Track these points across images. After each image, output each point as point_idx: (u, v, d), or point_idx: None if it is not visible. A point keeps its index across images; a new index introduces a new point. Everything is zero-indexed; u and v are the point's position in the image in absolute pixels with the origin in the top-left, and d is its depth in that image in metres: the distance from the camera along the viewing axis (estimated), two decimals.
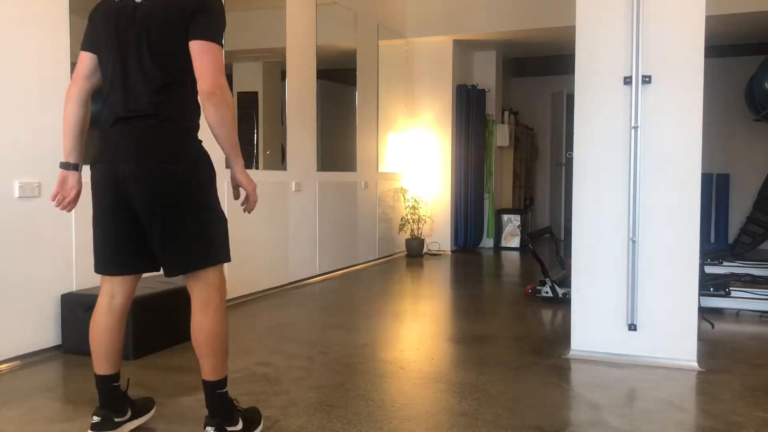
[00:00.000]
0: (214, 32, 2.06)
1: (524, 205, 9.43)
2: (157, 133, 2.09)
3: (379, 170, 7.04)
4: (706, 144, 3.16)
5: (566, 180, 8.83)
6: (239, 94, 5.28)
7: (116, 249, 2.22)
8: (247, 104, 5.36)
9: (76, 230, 3.45)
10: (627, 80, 3.19)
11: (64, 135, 2.25)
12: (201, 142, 2.19)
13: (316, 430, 2.39)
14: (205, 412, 2.20)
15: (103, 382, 2.28)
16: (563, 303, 4.55)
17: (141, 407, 2.42)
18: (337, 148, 6.45)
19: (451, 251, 7.74)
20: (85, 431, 2.33)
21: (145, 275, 2.34)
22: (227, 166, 2.21)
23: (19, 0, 3.20)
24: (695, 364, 3.13)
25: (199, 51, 2.03)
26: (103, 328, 2.27)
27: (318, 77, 5.74)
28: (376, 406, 2.64)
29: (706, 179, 7.80)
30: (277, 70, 5.35)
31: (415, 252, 7.39)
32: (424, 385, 2.93)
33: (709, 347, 3.49)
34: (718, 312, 4.35)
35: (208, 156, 2.19)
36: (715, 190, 8.36)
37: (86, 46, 2.22)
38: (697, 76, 3.10)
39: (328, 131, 6.05)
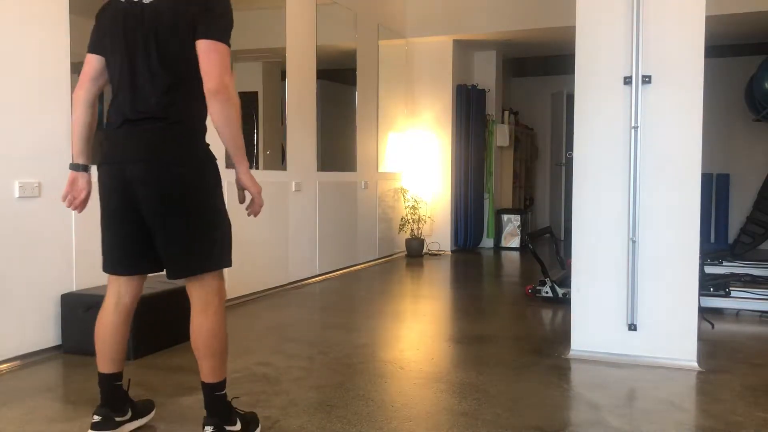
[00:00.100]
0: (221, 32, 2.06)
1: (524, 205, 9.43)
2: (165, 135, 2.09)
3: (379, 170, 7.04)
4: (706, 144, 3.16)
5: (566, 180, 8.83)
6: (239, 94, 5.27)
7: (123, 249, 2.22)
8: (247, 104, 5.36)
9: (76, 230, 3.45)
10: (627, 80, 3.19)
11: (72, 137, 2.26)
12: (208, 144, 2.19)
13: (316, 430, 2.39)
14: (205, 412, 2.20)
15: (106, 381, 2.28)
16: (563, 303, 4.55)
17: (141, 409, 2.42)
18: (337, 148, 6.45)
19: (451, 251, 7.74)
20: (85, 431, 2.33)
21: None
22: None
23: (19, 0, 3.20)
24: (695, 364, 3.13)
25: (206, 50, 2.02)
26: (109, 327, 2.27)
27: (318, 77, 5.74)
28: (376, 406, 2.64)
29: (706, 179, 7.79)
30: (277, 70, 5.35)
31: (415, 252, 7.39)
32: (424, 385, 2.93)
33: (709, 347, 3.49)
34: (718, 312, 4.35)
35: (215, 158, 2.19)
36: (715, 190, 8.36)
37: (92, 48, 2.22)
38: (697, 76, 3.10)
39: (328, 131, 6.05)
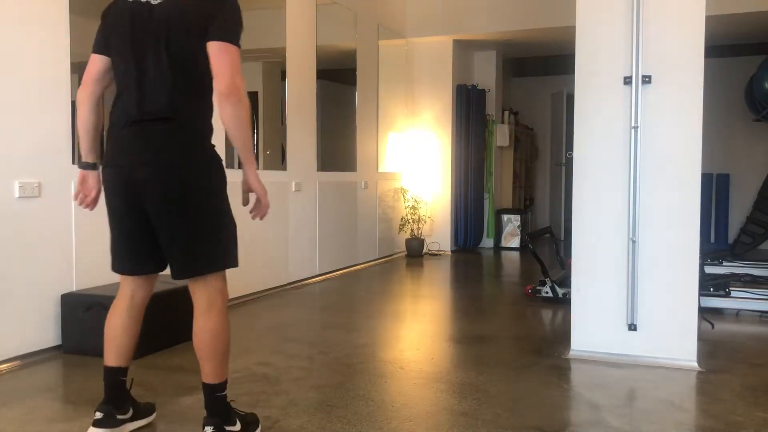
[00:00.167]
0: (232, 34, 2.06)
1: (524, 205, 9.43)
2: (172, 137, 2.09)
3: (379, 170, 7.04)
4: (706, 144, 3.16)
5: (566, 180, 8.83)
6: None
7: (130, 250, 2.23)
8: None
9: (76, 230, 3.45)
10: (627, 80, 3.19)
11: (80, 137, 2.26)
12: (214, 146, 2.19)
13: (316, 430, 2.39)
14: (205, 412, 2.20)
15: (112, 374, 2.29)
16: (563, 303, 4.55)
17: (143, 409, 2.43)
18: (337, 148, 6.45)
19: (451, 251, 7.74)
20: (85, 431, 2.33)
21: None
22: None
23: (19, 0, 3.20)
24: (695, 364, 3.13)
25: (217, 51, 2.03)
26: (119, 324, 2.28)
27: (318, 77, 5.74)
28: (376, 406, 2.64)
29: (706, 179, 7.79)
30: (277, 70, 5.35)
31: (415, 252, 7.39)
32: (424, 385, 2.93)
33: (709, 347, 3.49)
34: (718, 312, 4.35)
35: (221, 160, 2.20)
36: (715, 190, 8.36)
37: (97, 48, 2.21)
38: (697, 76, 3.10)
39: (328, 131, 6.05)
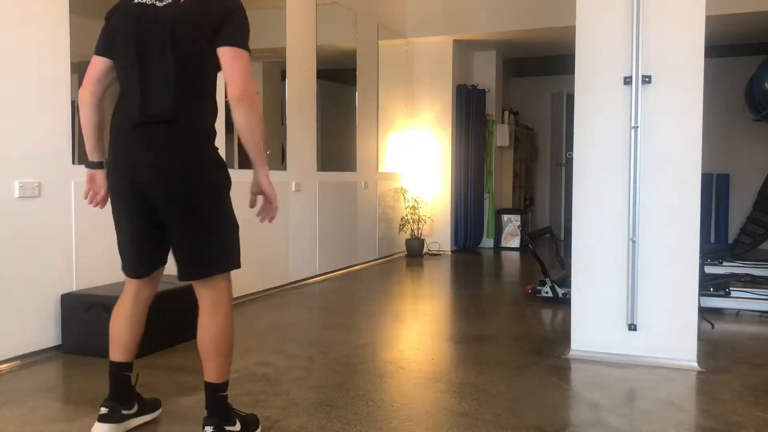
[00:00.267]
0: (242, 39, 2.08)
1: (524, 205, 9.43)
2: (175, 140, 2.09)
3: (379, 170, 7.04)
4: (706, 144, 3.16)
5: (566, 180, 8.83)
6: None
7: (137, 252, 2.26)
8: None
9: (76, 230, 3.45)
10: (627, 80, 3.19)
11: (84, 137, 2.28)
12: (218, 149, 2.20)
13: (316, 430, 2.39)
14: (205, 412, 2.20)
15: (117, 369, 2.30)
16: (563, 303, 4.55)
17: (148, 405, 2.45)
18: (337, 148, 6.45)
19: (451, 251, 7.74)
20: (85, 431, 2.34)
21: None
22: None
23: (19, 0, 3.20)
24: (695, 364, 3.13)
25: (230, 57, 2.05)
26: (124, 320, 2.31)
27: (318, 77, 5.74)
28: (376, 406, 2.64)
29: (706, 179, 7.79)
30: (277, 70, 5.35)
31: (415, 252, 7.39)
32: (424, 385, 2.93)
33: (709, 347, 3.49)
34: (718, 312, 4.35)
35: (224, 163, 2.21)
36: (715, 190, 8.36)
37: (99, 49, 2.22)
38: (697, 76, 3.10)
39: (328, 131, 6.05)
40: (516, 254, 7.90)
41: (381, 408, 2.62)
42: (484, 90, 8.02)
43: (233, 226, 2.20)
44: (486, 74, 8.26)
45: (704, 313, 3.87)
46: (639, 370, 3.14)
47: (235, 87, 2.04)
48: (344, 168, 6.40)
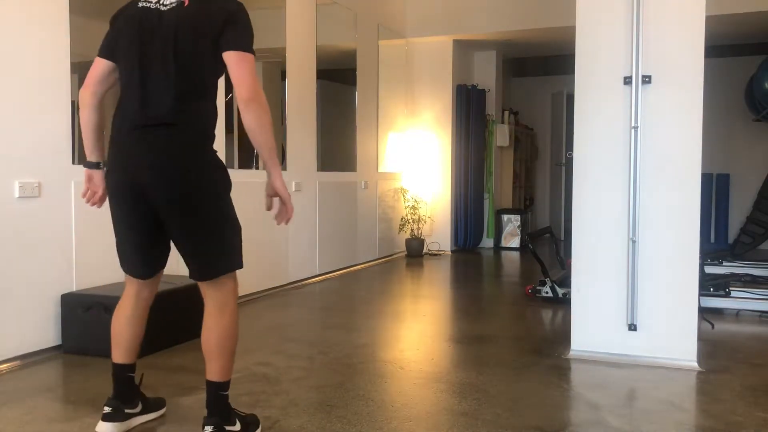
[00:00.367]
0: (247, 42, 2.09)
1: (524, 205, 9.43)
2: (174, 143, 2.10)
3: (379, 170, 7.04)
4: (706, 144, 3.16)
5: (566, 180, 8.83)
6: None
7: (137, 254, 2.27)
8: None
9: (76, 230, 3.45)
10: (627, 80, 3.19)
11: (83, 137, 2.28)
12: (216, 152, 2.20)
13: (316, 430, 2.39)
14: (205, 412, 2.21)
15: (120, 371, 2.32)
16: (563, 303, 4.55)
17: (152, 404, 2.46)
18: (337, 148, 6.45)
19: (451, 251, 7.74)
20: (85, 431, 2.34)
21: None
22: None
23: (20, 0, 3.20)
24: (695, 364, 3.13)
25: (237, 60, 2.06)
26: (125, 322, 2.32)
27: (318, 77, 5.74)
28: (376, 406, 2.64)
29: (706, 179, 7.79)
30: (277, 70, 5.35)
31: (415, 252, 7.39)
32: (424, 385, 2.93)
33: (709, 347, 3.49)
34: (718, 312, 4.35)
35: (224, 165, 2.21)
36: (715, 190, 8.36)
37: (102, 52, 2.24)
38: (697, 76, 3.10)
39: (328, 131, 6.05)
40: (516, 254, 7.90)
41: (381, 408, 2.62)
42: (484, 90, 8.02)
43: (234, 227, 2.21)
44: (486, 74, 8.26)
45: (704, 313, 3.87)
46: (639, 370, 3.14)
47: (243, 89, 2.04)
48: (344, 168, 6.40)
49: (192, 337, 3.40)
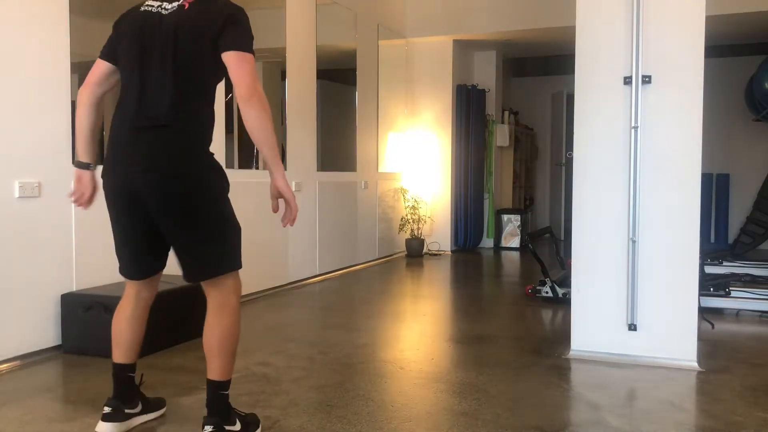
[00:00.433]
0: (247, 43, 2.10)
1: (524, 205, 9.43)
2: (171, 145, 2.10)
3: (379, 170, 7.04)
4: (706, 144, 3.16)
5: (566, 180, 8.83)
6: None
7: (134, 255, 2.27)
8: None
9: (76, 230, 3.45)
10: (627, 80, 3.19)
11: (76, 137, 2.28)
12: (213, 154, 2.20)
13: (316, 430, 2.39)
14: (205, 412, 2.21)
15: (121, 371, 2.32)
16: (563, 303, 4.55)
17: (152, 404, 2.47)
18: (337, 148, 6.45)
19: (451, 251, 7.74)
20: (85, 431, 2.34)
21: None
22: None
23: (20, 0, 3.20)
24: (695, 364, 3.13)
25: (236, 60, 2.05)
26: (125, 323, 2.32)
27: (318, 77, 5.74)
28: (376, 406, 2.64)
29: (706, 179, 7.79)
30: (277, 70, 5.35)
31: (415, 252, 7.39)
32: (424, 385, 2.93)
33: (709, 347, 3.49)
34: (718, 312, 4.35)
35: (221, 167, 2.21)
36: (715, 190, 8.36)
37: (104, 54, 2.24)
38: (697, 76, 3.10)
39: (328, 131, 6.05)
40: (516, 254, 7.90)
41: (381, 408, 2.62)
42: (484, 90, 8.02)
43: (233, 228, 2.21)
44: (486, 74, 8.26)
45: (704, 313, 3.87)
46: (639, 370, 3.14)
47: (243, 88, 2.04)
48: (344, 168, 6.40)
49: (192, 337, 3.41)
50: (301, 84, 5.52)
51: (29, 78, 3.25)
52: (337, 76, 6.45)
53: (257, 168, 5.19)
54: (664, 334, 3.20)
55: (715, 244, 8.18)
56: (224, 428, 2.18)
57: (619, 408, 2.68)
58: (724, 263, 5.30)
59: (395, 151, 7.42)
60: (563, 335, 3.58)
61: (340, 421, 2.47)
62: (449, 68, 7.63)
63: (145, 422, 2.41)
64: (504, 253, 8.00)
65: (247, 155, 4.84)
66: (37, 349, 3.29)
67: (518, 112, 9.14)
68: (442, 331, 4.11)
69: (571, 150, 3.47)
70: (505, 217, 8.32)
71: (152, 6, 2.17)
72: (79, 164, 2.28)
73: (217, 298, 2.19)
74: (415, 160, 7.71)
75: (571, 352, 3.35)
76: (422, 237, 7.46)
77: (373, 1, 6.85)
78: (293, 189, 5.32)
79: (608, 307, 3.29)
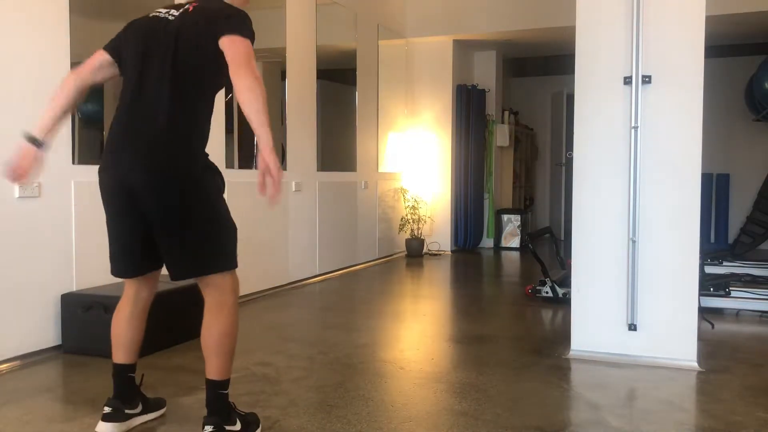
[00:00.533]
0: (245, 31, 2.06)
1: (524, 205, 9.43)
2: (168, 145, 2.10)
3: (379, 170, 7.04)
4: (706, 144, 3.16)
5: (566, 180, 8.83)
6: None
7: (127, 253, 2.26)
8: None
9: (76, 230, 3.45)
10: (627, 80, 3.19)
11: (45, 113, 2.20)
12: (208, 155, 2.20)
13: (316, 430, 2.39)
14: (205, 411, 2.21)
15: (121, 371, 2.33)
16: (563, 303, 4.55)
17: (153, 404, 2.47)
18: (337, 148, 6.45)
19: (451, 251, 7.74)
20: (85, 431, 2.34)
21: None
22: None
23: (20, 0, 3.20)
24: (695, 364, 3.13)
25: (230, 40, 2.01)
26: (125, 323, 2.32)
27: (318, 77, 5.74)
28: (376, 406, 2.64)
29: (706, 179, 7.79)
30: (277, 70, 5.35)
31: (415, 252, 7.39)
32: (424, 385, 2.93)
33: (709, 347, 3.49)
34: (718, 312, 4.35)
35: (216, 167, 2.21)
36: (715, 190, 8.36)
37: (107, 46, 2.26)
38: (697, 76, 3.10)
39: (328, 131, 6.05)
40: (516, 254, 7.90)
41: (381, 408, 2.62)
42: (484, 90, 8.02)
43: (228, 227, 2.21)
44: (486, 74, 8.26)
45: (704, 313, 3.87)
46: (639, 370, 3.14)
47: (237, 58, 1.98)
48: (344, 168, 6.40)
49: (192, 336, 3.40)
50: (301, 84, 5.52)
51: (29, 78, 3.24)
52: (337, 76, 6.45)
53: (256, 168, 5.19)
54: (664, 334, 3.20)
55: (715, 244, 8.18)
56: (224, 428, 2.18)
57: (619, 408, 2.68)
58: (724, 263, 5.29)
59: (395, 151, 7.42)
60: (563, 335, 3.58)
61: (340, 421, 2.47)
62: (449, 68, 7.63)
63: (146, 422, 2.41)
64: (504, 253, 8.01)
65: (246, 155, 4.84)
66: (37, 349, 3.29)
67: (518, 112, 9.14)
68: (442, 331, 4.11)
69: (571, 150, 3.47)
70: (505, 217, 8.32)
71: (161, 12, 2.21)
72: (31, 138, 2.17)
73: (214, 297, 2.19)
74: (415, 160, 7.71)
75: (571, 352, 3.35)
76: (422, 237, 7.46)
77: (373, 1, 6.85)
78: (293, 189, 5.37)
79: (608, 307, 3.29)
